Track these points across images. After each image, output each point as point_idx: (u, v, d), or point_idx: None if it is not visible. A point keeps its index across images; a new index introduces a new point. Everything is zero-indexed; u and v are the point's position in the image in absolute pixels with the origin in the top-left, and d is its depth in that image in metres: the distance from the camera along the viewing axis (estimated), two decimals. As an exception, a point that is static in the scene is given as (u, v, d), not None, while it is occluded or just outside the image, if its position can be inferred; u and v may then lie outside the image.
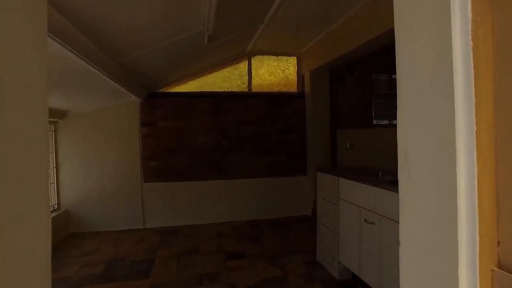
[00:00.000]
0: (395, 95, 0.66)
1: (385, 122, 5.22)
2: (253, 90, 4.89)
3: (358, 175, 2.70)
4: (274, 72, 5.02)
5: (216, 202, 4.66)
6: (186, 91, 4.70)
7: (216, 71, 4.84)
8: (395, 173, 0.67)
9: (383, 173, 2.76)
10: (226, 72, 4.88)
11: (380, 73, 5.28)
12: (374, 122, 5.23)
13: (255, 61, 4.92)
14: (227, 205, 4.69)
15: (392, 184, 2.16)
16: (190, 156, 4.58)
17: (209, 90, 4.75)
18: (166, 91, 4.67)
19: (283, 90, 5.00)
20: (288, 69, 5.07)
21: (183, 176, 4.57)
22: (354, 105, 5.00)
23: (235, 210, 4.71)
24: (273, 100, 4.80)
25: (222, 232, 4.26)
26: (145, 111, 4.49)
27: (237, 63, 4.90)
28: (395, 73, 0.64)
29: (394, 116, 0.69)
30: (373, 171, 2.95)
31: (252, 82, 4.90)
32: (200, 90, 4.74)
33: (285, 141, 4.80)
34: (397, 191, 0.66)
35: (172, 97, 4.56)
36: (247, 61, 4.88)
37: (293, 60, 5.06)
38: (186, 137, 4.57)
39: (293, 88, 5.05)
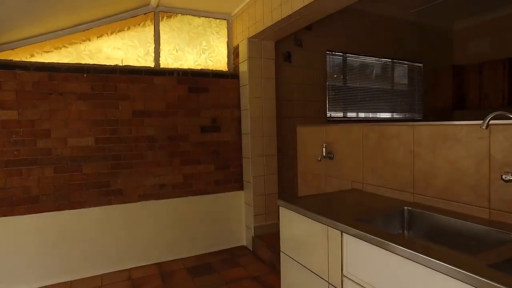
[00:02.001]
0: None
1: (339, 114, 4.34)
2: (162, 66, 3.32)
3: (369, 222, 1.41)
4: (195, 41, 3.57)
5: (102, 241, 3.01)
6: (47, 61, 2.90)
7: (104, 33, 3.13)
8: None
9: (415, 218, 1.61)
10: (119, 36, 3.22)
11: (345, 53, 4.36)
12: (328, 114, 4.29)
13: (165, 22, 3.35)
14: (121, 245, 3.08)
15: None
16: (55, 171, 2.83)
17: (90, 63, 3.05)
18: (5, 58, 2.80)
19: (208, 67, 3.54)
20: (215, 36, 3.64)
21: (40, 204, 2.80)
22: (302, 91, 3.97)
23: (134, 251, 3.13)
24: (193, 82, 3.30)
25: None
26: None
27: (138, 23, 3.28)
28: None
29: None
30: (392, 208, 1.72)
31: (161, 53, 3.32)
32: (75, 62, 3.00)
33: (211, 143, 3.37)
34: None
35: (18, 69, 2.73)
36: (153, 21, 3.29)
37: (222, 25, 3.65)
38: (45, 139, 2.81)
39: (222, 66, 3.64)
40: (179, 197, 3.26)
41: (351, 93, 4.35)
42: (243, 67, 3.39)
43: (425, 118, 5.22)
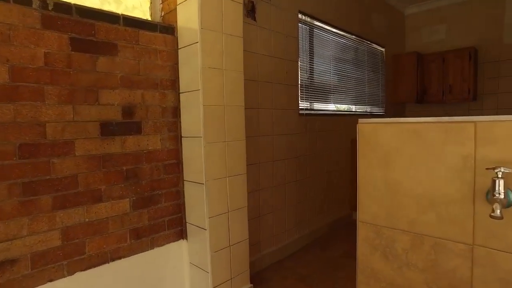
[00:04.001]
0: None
1: (319, 107, 3.21)
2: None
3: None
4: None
5: None
6: None
7: None
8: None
9: None
10: None
11: (313, 18, 3.11)
12: (301, 105, 3.11)
13: None
14: None
15: None
16: None
17: None
18: None
19: (115, 10, 1.87)
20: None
21: None
22: (270, 68, 2.67)
23: None
24: (82, 29, 1.58)
25: None
26: None
27: None
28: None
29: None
30: None
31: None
32: None
33: (123, 156, 1.73)
34: None
35: None
36: None
37: None
38: None
39: (143, 11, 2.00)
40: (52, 280, 1.54)
41: (322, 78, 3.28)
42: (186, 12, 1.83)
43: (386, 113, 4.59)
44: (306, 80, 2.97)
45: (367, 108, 3.97)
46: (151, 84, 1.83)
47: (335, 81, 3.37)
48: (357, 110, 3.78)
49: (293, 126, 2.78)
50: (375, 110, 4.16)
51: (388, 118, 1.19)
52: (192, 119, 1.84)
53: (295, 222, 2.85)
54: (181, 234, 1.98)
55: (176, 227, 1.95)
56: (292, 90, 2.77)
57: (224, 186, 1.89)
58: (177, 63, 1.93)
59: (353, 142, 3.56)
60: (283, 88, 2.67)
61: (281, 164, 2.66)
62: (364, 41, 3.89)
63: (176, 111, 1.94)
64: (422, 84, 4.53)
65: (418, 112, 4.94)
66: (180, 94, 1.93)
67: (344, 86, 3.53)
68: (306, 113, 2.93)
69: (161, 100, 1.87)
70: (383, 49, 4.34)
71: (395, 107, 4.75)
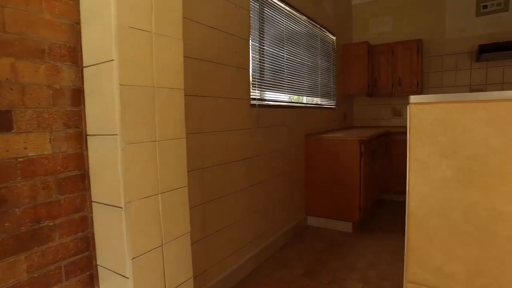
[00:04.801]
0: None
1: (272, 97, 2.72)
2: None
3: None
4: None
5: None
6: None
7: None
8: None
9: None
10: None
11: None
12: (253, 95, 2.58)
13: None
14: None
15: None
16: None
17: None
18: None
19: None
20: None
21: None
22: (215, 43, 2.08)
23: None
24: None
25: None
26: None
27: None
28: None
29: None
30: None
31: None
32: None
33: None
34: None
35: None
36: None
37: None
38: None
39: None
40: None
41: (275, 63, 2.81)
42: None
43: (338, 106, 4.32)
44: (258, 64, 2.48)
45: (319, 100, 3.64)
46: (32, 50, 1.14)
47: (289, 68, 2.94)
48: (308, 102, 3.41)
49: (243, 120, 2.26)
50: (326, 102, 3.86)
51: (478, 93, 0.73)
52: (103, 107, 1.20)
53: (249, 239, 2.35)
54: (90, 283, 1.34)
55: (80, 274, 1.30)
56: (242, 75, 2.25)
57: (155, 207, 1.29)
58: (78, 22, 1.28)
59: (308, 138, 3.18)
60: (232, 71, 2.13)
61: (231, 168, 2.13)
62: (317, 26, 3.53)
63: (77, 96, 1.28)
64: (372, 76, 4.36)
65: (367, 106, 4.81)
66: (84, 70, 1.27)
67: (298, 75, 3.12)
68: (258, 104, 2.44)
69: (50, 77, 1.20)
70: (334, 38, 4.05)
71: (345, 100, 4.54)
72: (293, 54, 3.00)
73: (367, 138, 2.94)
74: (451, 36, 4.23)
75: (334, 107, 4.07)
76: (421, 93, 4.20)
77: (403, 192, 4.33)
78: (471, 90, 4.17)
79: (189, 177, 1.70)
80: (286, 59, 2.87)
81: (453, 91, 4.25)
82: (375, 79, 4.34)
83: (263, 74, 2.54)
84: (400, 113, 4.56)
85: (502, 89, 4.01)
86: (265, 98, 2.58)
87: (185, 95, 1.61)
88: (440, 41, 4.29)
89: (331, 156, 3.09)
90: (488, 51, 3.64)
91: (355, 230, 3.11)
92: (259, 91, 2.47)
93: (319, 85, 3.61)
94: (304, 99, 3.30)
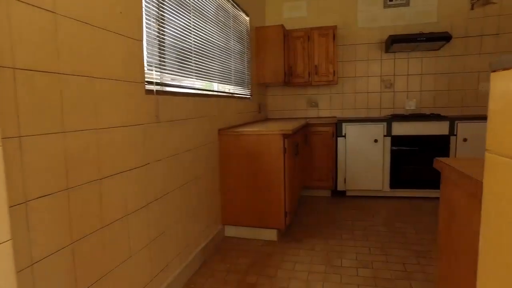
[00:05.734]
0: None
1: (177, 81, 2.02)
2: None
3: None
4: None
5: None
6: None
7: None
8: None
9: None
10: None
11: None
12: (149, 77, 1.91)
13: None
14: None
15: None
16: None
17: None
18: None
19: None
20: None
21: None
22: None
23: None
24: None
25: None
26: None
27: None
28: None
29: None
30: None
31: None
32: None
33: None
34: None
35: None
36: None
37: None
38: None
39: None
40: None
41: (180, 37, 2.19)
42: None
43: (252, 95, 3.91)
44: (156, 35, 1.86)
45: (232, 89, 3.17)
46: None
47: (197, 46, 2.38)
48: (220, 90, 2.91)
49: (136, 112, 1.62)
50: (241, 91, 3.42)
51: None
52: None
53: (150, 274, 1.75)
54: None
55: None
56: (132, 48, 1.61)
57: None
58: None
59: (222, 134, 2.69)
60: (115, 40, 1.48)
61: (116, 184, 1.49)
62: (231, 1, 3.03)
63: None
64: (289, 63, 4.08)
65: (282, 96, 4.54)
66: None
67: (208, 56, 2.58)
68: (157, 91, 1.84)
69: None
70: (247, 18, 3.62)
71: (260, 90, 4.17)
72: (202, 30, 2.44)
73: (291, 131, 2.59)
74: (362, 26, 4.20)
75: (249, 97, 3.66)
76: (337, 82, 4.08)
77: (323, 187, 4.20)
78: (382, 81, 4.23)
79: (41, 207, 1.04)
80: (194, 34, 2.30)
81: (366, 81, 4.26)
82: (291, 66, 4.07)
83: (164, 50, 1.93)
84: (316, 104, 4.42)
85: (407, 80, 4.15)
86: (167, 82, 1.98)
87: (19, 69, 0.95)
88: (353, 30, 4.23)
89: (249, 154, 2.66)
90: (397, 42, 3.68)
91: (281, 238, 2.75)
92: (158, 73, 1.87)
93: (233, 71, 3.14)
94: (216, 86, 2.78)
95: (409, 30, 4.07)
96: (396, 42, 3.66)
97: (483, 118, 3.48)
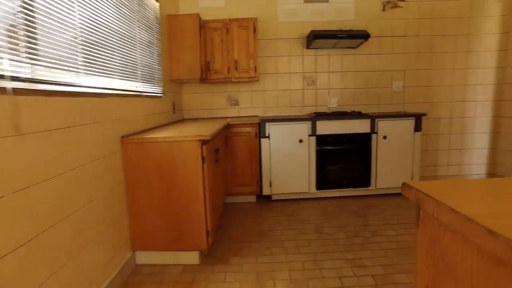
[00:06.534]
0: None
1: (52, 77, 1.46)
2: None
3: None
4: None
5: None
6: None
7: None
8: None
9: None
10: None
11: None
12: (2, 68, 1.32)
13: None
14: None
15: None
16: None
17: None
18: None
19: None
20: None
21: None
22: None
23: None
24: None
25: None
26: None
27: None
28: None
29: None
30: None
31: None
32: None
33: None
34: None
35: None
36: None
37: None
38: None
39: None
40: None
41: (55, 14, 1.62)
42: None
43: (165, 93, 3.41)
44: (19, 8, 1.31)
45: (138, 86, 2.67)
46: None
47: (86, 28, 1.85)
48: (122, 88, 2.40)
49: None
50: (150, 89, 2.92)
51: None
52: None
53: None
54: None
55: None
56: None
57: None
58: None
59: (126, 142, 2.20)
60: None
61: None
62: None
63: None
64: (206, 57, 3.69)
65: (200, 94, 4.13)
66: None
67: (104, 44, 2.05)
68: (17, 88, 1.30)
69: None
70: (157, 4, 3.12)
71: (174, 87, 3.70)
72: (93, 9, 1.92)
73: (210, 136, 2.23)
74: (283, 20, 4.03)
75: (161, 96, 3.18)
76: (258, 79, 3.84)
77: (248, 192, 3.82)
78: (304, 78, 4.12)
79: None
80: (80, 14, 1.77)
81: (288, 78, 4.10)
82: (208, 61, 3.69)
83: (35, 33, 1.40)
84: (236, 102, 4.12)
85: (329, 77, 4.12)
86: (39, 79, 1.45)
87: None
88: (274, 24, 4.03)
89: (161, 165, 2.22)
90: (319, 37, 3.58)
91: (204, 261, 2.37)
92: (28, 65, 1.33)
93: (139, 65, 2.64)
94: (116, 83, 2.26)
95: (329, 27, 4.02)
96: (318, 38, 3.55)
97: (400, 115, 3.59)
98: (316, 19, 4.02)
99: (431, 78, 4.20)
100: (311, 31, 3.63)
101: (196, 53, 3.41)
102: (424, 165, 4.34)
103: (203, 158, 2.21)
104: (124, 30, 2.33)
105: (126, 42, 2.35)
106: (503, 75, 4.22)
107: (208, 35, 3.64)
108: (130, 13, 2.45)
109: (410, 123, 3.60)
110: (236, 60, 3.67)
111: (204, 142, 2.23)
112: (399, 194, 3.78)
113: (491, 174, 4.41)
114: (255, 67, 3.69)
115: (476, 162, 4.39)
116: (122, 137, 2.18)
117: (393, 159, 3.63)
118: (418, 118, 3.61)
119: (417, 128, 3.62)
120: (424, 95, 4.23)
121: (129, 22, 2.41)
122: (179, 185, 2.22)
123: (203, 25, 3.59)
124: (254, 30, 3.64)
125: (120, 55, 2.25)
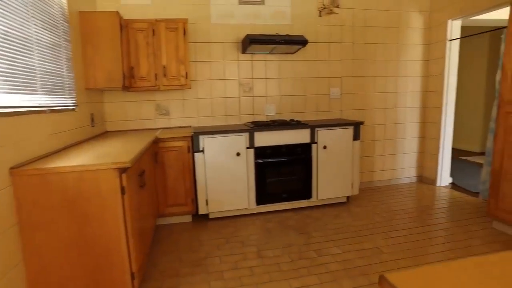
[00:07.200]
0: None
1: None
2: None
3: None
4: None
5: None
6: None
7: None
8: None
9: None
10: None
11: None
12: None
13: None
14: None
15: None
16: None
17: None
18: None
19: None
20: None
21: None
22: None
23: None
24: None
25: None
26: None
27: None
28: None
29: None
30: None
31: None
32: None
33: None
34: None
35: None
36: None
37: None
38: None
39: None
40: None
41: None
42: None
43: (80, 106, 2.88)
44: None
45: (39, 99, 2.18)
46: None
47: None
48: (12, 105, 1.90)
49: None
50: (57, 101, 2.43)
51: None
52: None
53: None
54: None
55: None
56: None
57: None
58: None
59: (18, 174, 1.73)
60: None
61: None
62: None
63: None
64: (129, 63, 3.24)
65: (125, 103, 3.65)
66: None
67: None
68: None
69: None
70: (65, 0, 2.61)
71: (92, 97, 3.19)
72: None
73: (131, 160, 1.87)
74: (216, 21, 3.74)
75: (73, 108, 2.68)
76: (190, 87, 3.50)
77: (182, 212, 3.37)
78: (240, 84, 3.88)
79: None
80: None
81: (223, 84, 3.83)
82: (132, 67, 3.26)
83: None
84: (167, 112, 3.73)
85: (266, 84, 3.94)
86: None
87: None
88: (207, 26, 3.72)
89: (69, 201, 1.80)
90: (256, 42, 3.36)
91: (125, 309, 2.01)
92: None
93: (38, 73, 2.15)
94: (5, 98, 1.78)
95: (266, 30, 3.83)
96: (254, 43, 3.33)
97: (340, 124, 3.54)
98: (252, 21, 3.80)
99: (366, 85, 4.26)
100: (247, 35, 3.40)
101: (116, 57, 2.96)
102: (361, 171, 4.39)
103: (122, 189, 1.84)
104: (10, 28, 1.84)
105: (15, 44, 1.87)
106: (427, 83, 4.45)
107: (132, 36, 3.21)
108: (21, 7, 1.95)
109: (349, 131, 3.57)
110: (164, 66, 3.29)
111: (123, 170, 1.86)
112: (340, 204, 3.75)
113: (419, 176, 4.64)
114: (186, 73, 3.35)
115: (408, 166, 4.58)
116: (11, 168, 1.71)
117: (333, 168, 3.57)
118: (356, 127, 3.60)
119: (356, 136, 3.61)
120: (360, 102, 4.27)
121: (19, 19, 1.92)
122: (93, 223, 1.82)
123: (125, 25, 3.15)
124: (185, 33, 3.30)
125: (5, 62, 1.77)
